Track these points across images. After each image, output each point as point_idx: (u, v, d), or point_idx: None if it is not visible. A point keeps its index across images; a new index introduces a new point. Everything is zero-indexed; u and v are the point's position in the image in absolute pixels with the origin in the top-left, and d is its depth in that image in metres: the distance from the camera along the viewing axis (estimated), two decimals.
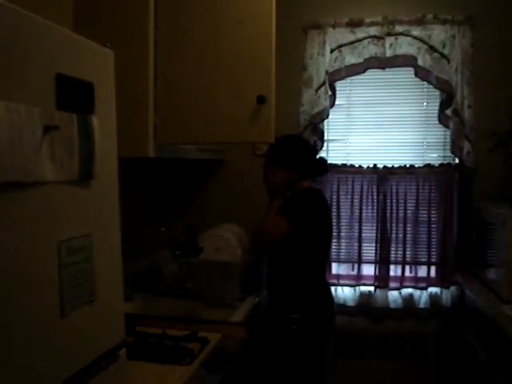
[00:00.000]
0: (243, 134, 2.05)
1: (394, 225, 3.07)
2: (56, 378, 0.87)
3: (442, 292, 3.05)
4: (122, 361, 1.09)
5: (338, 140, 3.16)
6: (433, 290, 3.07)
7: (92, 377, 0.99)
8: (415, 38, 2.92)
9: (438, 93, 2.98)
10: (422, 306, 3.06)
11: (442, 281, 3.06)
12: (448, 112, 2.95)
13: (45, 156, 0.82)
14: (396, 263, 3.10)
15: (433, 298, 3.05)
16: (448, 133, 2.98)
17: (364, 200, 3.08)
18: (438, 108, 2.99)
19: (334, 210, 3.08)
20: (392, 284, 3.09)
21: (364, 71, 2.99)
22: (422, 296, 3.06)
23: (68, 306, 0.89)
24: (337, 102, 3.06)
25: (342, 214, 3.11)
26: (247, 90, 1.99)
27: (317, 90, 2.98)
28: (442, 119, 2.98)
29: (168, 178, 3.20)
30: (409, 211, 3.06)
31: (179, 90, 2.09)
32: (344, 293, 3.12)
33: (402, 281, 3.09)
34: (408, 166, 3.04)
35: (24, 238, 0.80)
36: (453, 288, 3.03)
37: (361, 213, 3.08)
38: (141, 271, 2.66)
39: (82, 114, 0.91)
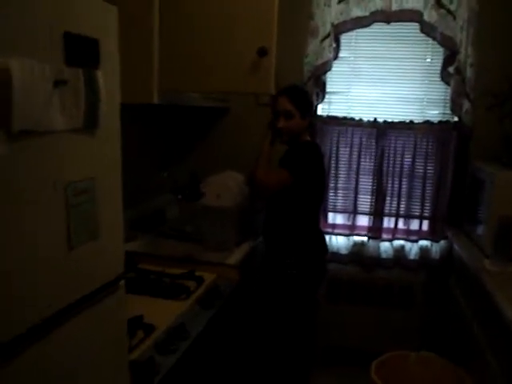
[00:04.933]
0: (243, 84, 2.11)
1: (390, 178, 3.16)
2: (62, 300, 1.00)
3: (431, 245, 3.18)
4: (121, 291, 1.22)
5: (340, 92, 3.21)
6: (423, 243, 3.19)
7: (93, 304, 1.12)
8: None
9: (442, 49, 3.00)
10: (411, 257, 3.19)
11: (432, 235, 3.18)
12: (450, 69, 2.98)
13: (55, 108, 0.91)
14: (390, 215, 3.21)
15: (423, 250, 3.18)
16: (449, 90, 3.01)
17: (363, 153, 3.16)
18: (440, 65, 3.02)
19: (333, 161, 3.17)
20: (384, 235, 3.22)
21: (369, 24, 2.99)
22: (412, 248, 3.19)
23: (74, 242, 1.01)
24: (341, 55, 3.10)
25: (340, 165, 3.20)
26: (248, 41, 2.04)
27: (322, 41, 3.01)
28: (444, 76, 3.01)
29: (173, 125, 3.28)
30: (405, 166, 3.15)
31: (183, 39, 2.15)
32: (338, 241, 3.25)
33: (394, 233, 3.21)
34: (408, 121, 3.10)
35: (36, 181, 0.91)
36: (442, 242, 3.16)
37: (359, 165, 3.17)
38: (145, 214, 2.79)
39: (88, 69, 1.00)
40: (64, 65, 0.94)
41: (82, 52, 0.99)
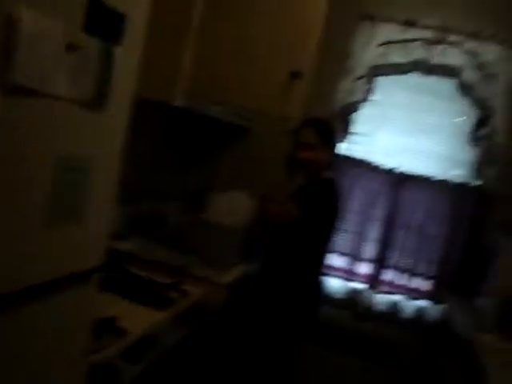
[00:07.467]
0: (271, 104, 2.07)
1: (398, 231, 3.07)
2: (27, 280, 0.91)
3: (428, 307, 3.06)
4: (92, 286, 1.14)
5: (364, 135, 3.14)
6: (421, 302, 3.08)
7: (56, 292, 1.02)
8: (466, 50, 2.87)
9: (475, 111, 2.94)
10: (406, 315, 3.07)
11: (432, 296, 3.07)
12: (481, 133, 2.92)
13: (62, 72, 0.84)
14: (392, 268, 3.11)
15: (419, 310, 3.07)
16: (475, 153, 2.95)
17: (376, 199, 3.08)
18: (471, 126, 2.95)
19: (345, 202, 3.08)
20: (383, 287, 3.11)
21: (407, 73, 2.96)
22: (408, 306, 3.08)
23: (52, 219, 0.93)
24: (372, 98, 3.05)
25: (350, 207, 3.11)
26: (284, 62, 2.01)
27: (356, 81, 2.97)
28: (473, 138, 2.95)
29: (194, 134, 3.22)
30: (417, 222, 3.05)
31: (219, 49, 2.12)
32: (334, 284, 3.15)
33: (393, 286, 3.10)
34: (428, 176, 3.02)
35: (25, 145, 0.83)
36: (441, 306, 3.03)
37: (370, 211, 3.09)
38: (145, 216, 2.71)
39: (107, 43, 0.94)
40: (81, 31, 0.88)
41: (104, 23, 0.93)
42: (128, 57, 1.02)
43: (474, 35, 2.87)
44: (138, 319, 1.63)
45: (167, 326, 1.74)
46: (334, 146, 2.41)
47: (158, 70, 2.00)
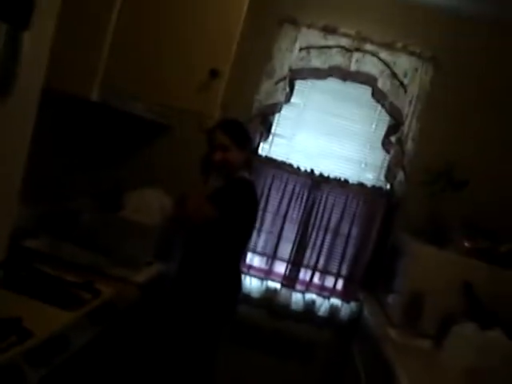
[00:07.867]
0: (189, 101, 2.05)
1: (314, 231, 3.15)
2: None
3: (342, 305, 3.17)
4: None
5: (284, 136, 3.20)
6: (335, 301, 3.18)
7: None
8: (381, 60, 3.01)
9: (388, 118, 3.08)
10: (321, 313, 3.16)
11: (344, 295, 3.18)
12: (392, 139, 3.06)
13: None
14: (307, 268, 3.19)
15: (333, 308, 3.17)
16: (387, 158, 3.09)
17: (293, 200, 3.15)
18: (384, 132, 3.09)
19: (263, 203, 3.13)
20: (298, 286, 3.18)
21: (325, 78, 3.05)
22: (323, 304, 3.17)
23: None
24: (292, 100, 3.11)
25: (268, 208, 3.16)
26: (203, 59, 2.00)
27: (276, 83, 3.02)
28: (385, 144, 3.09)
29: (111, 130, 3.13)
30: (332, 222, 3.15)
31: (138, 42, 2.08)
32: (251, 284, 3.18)
33: (308, 286, 3.18)
34: (343, 179, 3.12)
35: None
36: (353, 304, 3.15)
37: (287, 212, 3.15)
38: (56, 214, 2.60)
39: (13, 28, 0.90)
40: None
41: (12, 7, 0.88)
42: (37, 44, 0.97)
43: (388, 46, 3.01)
44: (46, 321, 1.57)
45: (78, 326, 1.68)
46: (248, 147, 2.45)
47: (75, 62, 1.94)
